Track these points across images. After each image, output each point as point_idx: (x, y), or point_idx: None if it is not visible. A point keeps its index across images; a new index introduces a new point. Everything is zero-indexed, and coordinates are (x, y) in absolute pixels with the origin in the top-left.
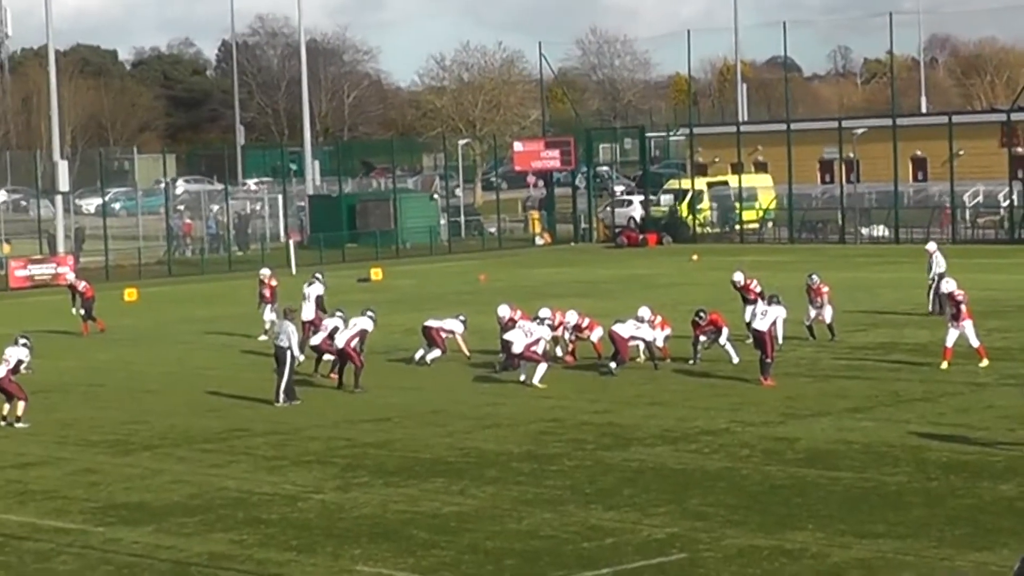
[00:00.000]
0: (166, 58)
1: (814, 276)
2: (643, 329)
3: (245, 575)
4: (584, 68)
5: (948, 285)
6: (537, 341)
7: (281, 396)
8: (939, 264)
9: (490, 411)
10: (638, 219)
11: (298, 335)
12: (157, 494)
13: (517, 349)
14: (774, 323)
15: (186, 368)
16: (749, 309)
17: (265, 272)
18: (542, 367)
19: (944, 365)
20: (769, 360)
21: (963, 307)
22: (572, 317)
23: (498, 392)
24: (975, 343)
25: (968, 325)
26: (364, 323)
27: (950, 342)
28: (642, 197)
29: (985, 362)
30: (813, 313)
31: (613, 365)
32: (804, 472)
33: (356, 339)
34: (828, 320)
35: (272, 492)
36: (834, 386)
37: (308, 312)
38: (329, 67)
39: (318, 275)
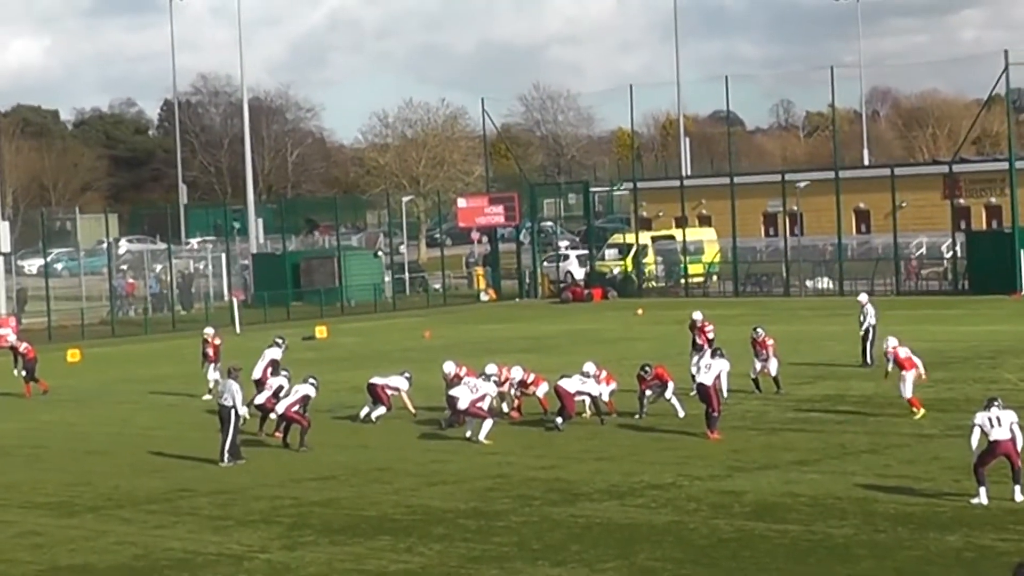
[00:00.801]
0: (108, 118)
1: (759, 329)
2: (589, 384)
3: None
4: (527, 124)
5: (888, 343)
6: (483, 397)
7: (226, 456)
8: (870, 315)
9: (436, 468)
10: (575, 275)
11: (242, 393)
12: (102, 556)
13: (463, 405)
14: (718, 376)
15: (130, 428)
16: (695, 357)
17: (209, 331)
18: (488, 423)
19: (920, 413)
20: (716, 414)
21: (902, 359)
22: (518, 373)
23: (444, 449)
24: (907, 394)
25: (909, 376)
26: (306, 389)
27: (909, 392)
28: (580, 252)
29: (921, 412)
30: (759, 366)
31: (560, 420)
32: (752, 525)
33: (297, 405)
34: (773, 373)
35: (218, 552)
36: (780, 439)
37: (257, 371)
38: (272, 125)
39: (279, 339)
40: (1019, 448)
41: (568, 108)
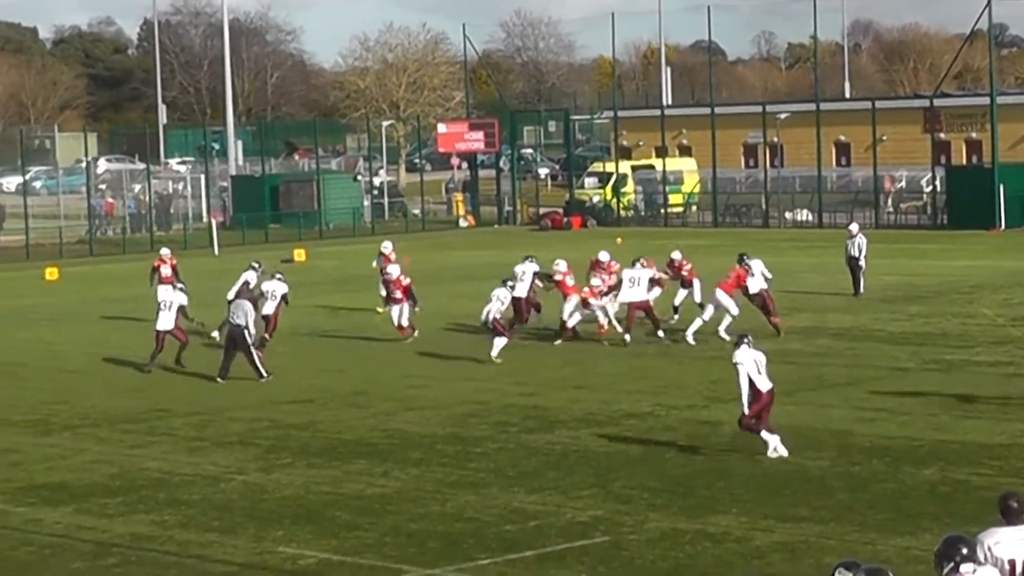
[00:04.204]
0: (87, 36)
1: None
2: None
3: (166, 556)
4: (508, 50)
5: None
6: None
7: (262, 372)
8: (863, 246)
9: (414, 393)
10: None
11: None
12: (78, 474)
13: (633, 297)
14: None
15: (107, 348)
16: (682, 293)
17: (165, 252)
18: (500, 341)
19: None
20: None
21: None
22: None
23: (422, 374)
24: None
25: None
26: (280, 287)
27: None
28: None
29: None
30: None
31: (660, 334)
32: (727, 456)
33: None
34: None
35: (194, 473)
36: None
37: (232, 293)
38: (252, 47)
39: (255, 263)
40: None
41: (549, 35)
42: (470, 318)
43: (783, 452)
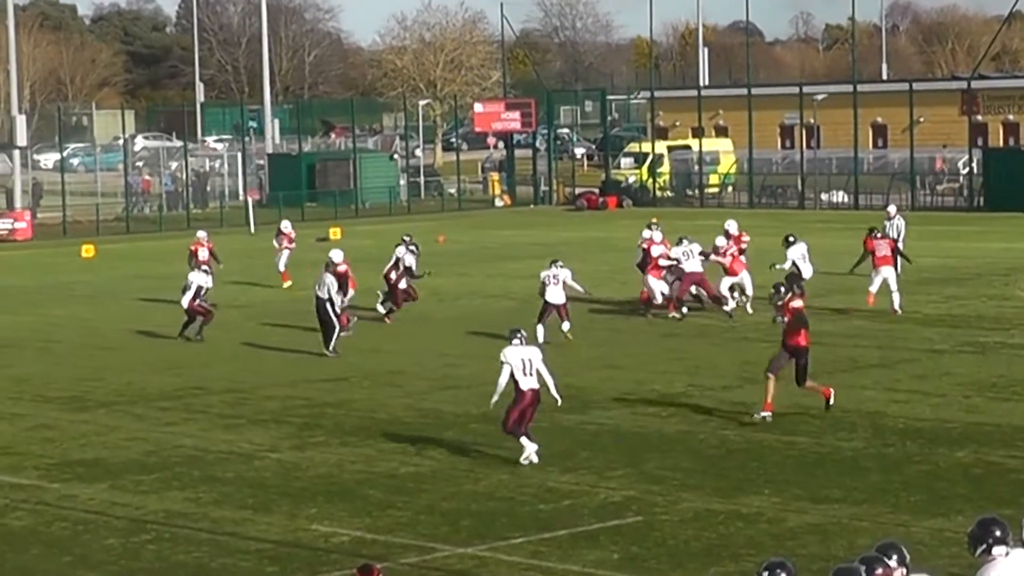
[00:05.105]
0: (126, 14)
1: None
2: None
3: (200, 533)
4: (546, 30)
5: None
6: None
7: (331, 344)
8: (902, 227)
9: (449, 372)
10: None
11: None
12: (113, 451)
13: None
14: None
15: (143, 325)
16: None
17: (202, 234)
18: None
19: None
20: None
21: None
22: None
23: (457, 354)
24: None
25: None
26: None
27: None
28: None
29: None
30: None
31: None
32: (761, 437)
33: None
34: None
35: (228, 451)
36: None
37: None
38: (290, 25)
39: (407, 237)
40: (557, 398)
41: (587, 15)
42: (506, 297)
43: (535, 460)
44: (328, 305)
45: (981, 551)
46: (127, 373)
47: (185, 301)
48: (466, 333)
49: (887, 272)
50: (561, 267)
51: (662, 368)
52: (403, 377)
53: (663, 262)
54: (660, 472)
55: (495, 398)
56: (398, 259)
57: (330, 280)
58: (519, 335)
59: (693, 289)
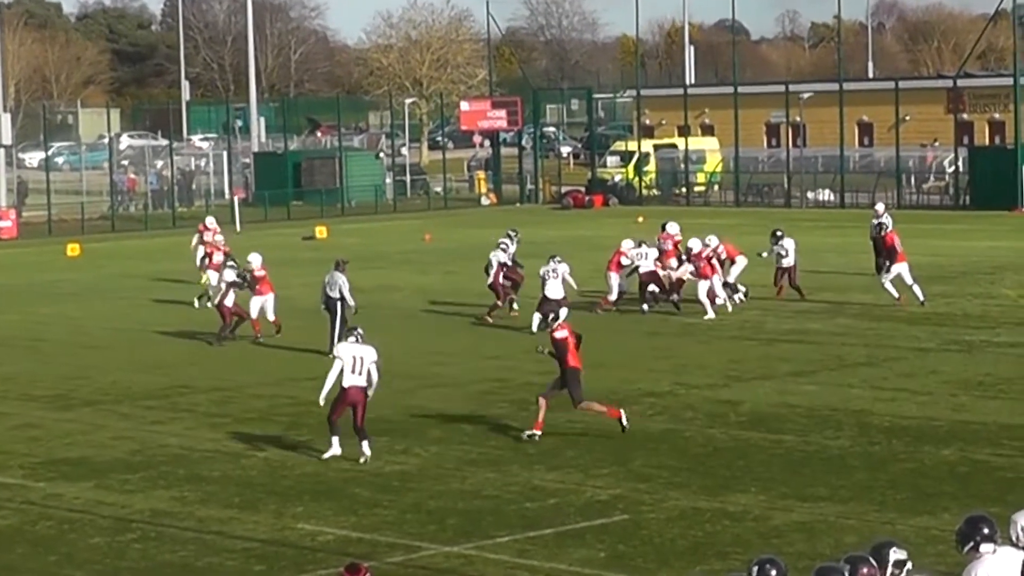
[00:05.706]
0: (111, 11)
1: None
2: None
3: (186, 532)
4: (532, 28)
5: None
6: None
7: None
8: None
9: (435, 371)
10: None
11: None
12: (98, 450)
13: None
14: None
15: (129, 324)
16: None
17: (211, 222)
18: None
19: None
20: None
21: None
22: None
23: (443, 352)
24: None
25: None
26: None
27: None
28: None
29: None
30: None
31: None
32: (747, 435)
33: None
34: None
35: (214, 449)
36: (777, 349)
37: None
38: (276, 23)
39: (512, 231)
40: (370, 396)
41: (573, 13)
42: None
43: (337, 453)
44: (340, 304)
45: (969, 548)
46: (113, 372)
47: (229, 300)
48: (452, 331)
49: (901, 267)
50: (560, 262)
51: (648, 366)
52: (389, 376)
53: (624, 260)
54: (646, 470)
55: (324, 391)
56: (498, 263)
57: (341, 279)
58: (356, 333)
59: (651, 287)
